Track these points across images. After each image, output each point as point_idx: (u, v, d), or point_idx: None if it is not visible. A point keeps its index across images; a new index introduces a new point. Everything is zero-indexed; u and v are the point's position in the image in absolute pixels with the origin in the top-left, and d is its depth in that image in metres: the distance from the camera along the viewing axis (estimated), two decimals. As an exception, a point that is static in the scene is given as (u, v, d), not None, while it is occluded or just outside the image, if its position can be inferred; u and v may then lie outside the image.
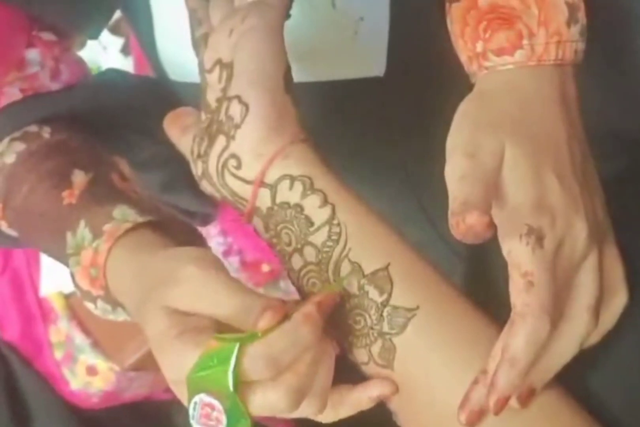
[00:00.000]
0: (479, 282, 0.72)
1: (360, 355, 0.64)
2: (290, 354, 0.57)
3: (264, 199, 0.67)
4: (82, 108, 0.83)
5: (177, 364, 0.57)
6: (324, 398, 0.60)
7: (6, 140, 0.79)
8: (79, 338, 1.11)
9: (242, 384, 0.56)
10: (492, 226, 0.56)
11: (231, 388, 0.55)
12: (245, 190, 0.67)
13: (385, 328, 0.62)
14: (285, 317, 0.58)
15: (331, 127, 0.83)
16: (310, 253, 0.65)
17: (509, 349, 0.56)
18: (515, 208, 0.59)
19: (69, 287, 1.09)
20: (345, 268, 0.64)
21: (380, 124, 0.88)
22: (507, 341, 0.57)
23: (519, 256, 0.57)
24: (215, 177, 0.68)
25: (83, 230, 0.71)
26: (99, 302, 0.71)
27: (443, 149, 0.62)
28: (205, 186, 0.70)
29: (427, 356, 0.62)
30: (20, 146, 0.78)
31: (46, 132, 0.80)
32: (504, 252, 0.58)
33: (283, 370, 0.57)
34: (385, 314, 0.62)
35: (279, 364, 0.56)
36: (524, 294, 0.56)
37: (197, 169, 0.70)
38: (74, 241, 0.72)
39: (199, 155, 0.70)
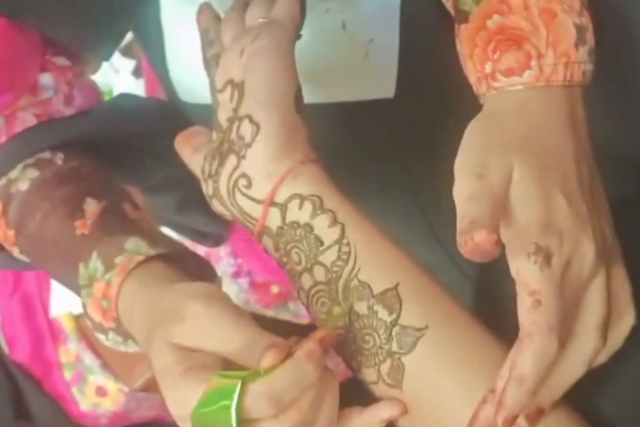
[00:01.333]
0: (489, 304, 0.72)
1: (369, 374, 0.64)
2: (293, 392, 0.56)
3: (273, 219, 0.67)
4: (95, 134, 0.84)
5: (182, 400, 0.58)
6: None
7: (20, 166, 0.80)
8: (89, 359, 1.11)
9: (245, 422, 0.56)
10: (500, 244, 0.56)
11: (234, 425, 0.55)
12: (255, 210, 0.68)
13: (394, 347, 0.62)
14: (288, 354, 0.58)
15: (341, 148, 0.83)
16: (319, 272, 0.65)
17: (516, 367, 0.56)
18: (522, 227, 0.58)
19: (78, 308, 1.08)
20: (354, 288, 0.64)
21: (390, 145, 0.88)
22: (515, 359, 0.56)
23: (526, 275, 0.57)
24: (225, 197, 0.69)
25: (95, 262, 0.72)
26: (111, 334, 0.72)
27: (452, 169, 0.62)
28: (215, 206, 0.71)
29: (436, 375, 0.61)
30: (33, 173, 0.79)
31: (59, 159, 0.80)
32: (512, 271, 0.58)
33: (286, 407, 0.57)
34: (394, 333, 0.62)
35: (282, 401, 0.56)
36: (531, 313, 0.56)
37: (207, 188, 0.71)
38: (86, 273, 0.72)
39: (209, 175, 0.70)
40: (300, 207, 0.66)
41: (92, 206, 0.76)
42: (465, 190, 0.59)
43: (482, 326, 0.64)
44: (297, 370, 0.57)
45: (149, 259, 0.70)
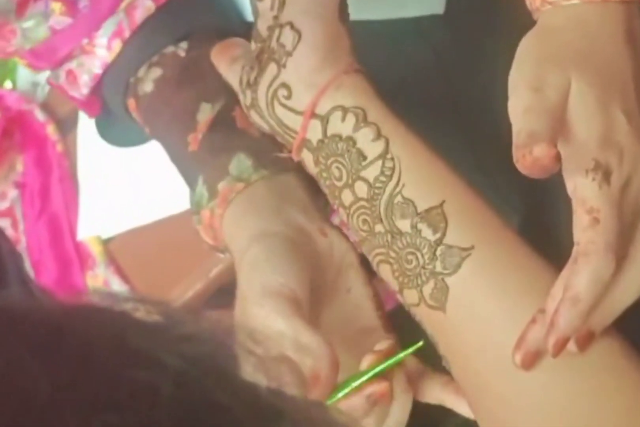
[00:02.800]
0: (535, 236, 0.70)
1: (411, 296, 0.63)
2: None
3: (314, 131, 0.66)
4: (222, 22, 0.82)
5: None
6: None
7: (145, 66, 0.80)
8: (117, 284, 1.10)
9: None
10: (559, 158, 0.56)
11: None
12: (295, 122, 0.67)
13: (438, 268, 0.61)
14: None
15: (385, 68, 0.81)
16: (361, 188, 0.64)
17: (571, 287, 0.56)
18: (581, 143, 0.58)
19: (107, 232, 1.08)
20: (397, 205, 0.63)
21: (437, 65, 0.87)
22: (569, 279, 0.56)
23: (584, 192, 0.56)
24: (264, 108, 0.68)
25: (201, 188, 0.72)
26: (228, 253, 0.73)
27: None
28: (253, 117, 0.70)
29: (482, 297, 0.61)
30: (157, 72, 0.79)
31: (182, 50, 0.79)
32: (569, 189, 0.57)
33: None
34: (438, 253, 0.61)
35: None
36: (588, 231, 0.55)
37: (245, 99, 0.70)
38: (194, 199, 0.73)
39: (248, 84, 0.69)
40: (343, 119, 0.65)
41: (204, 114, 0.75)
42: (522, 103, 0.59)
43: (530, 248, 0.63)
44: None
45: (252, 184, 0.71)
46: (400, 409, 0.64)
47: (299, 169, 0.70)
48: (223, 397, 0.29)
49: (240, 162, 0.72)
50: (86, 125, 0.98)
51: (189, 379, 0.29)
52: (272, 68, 0.67)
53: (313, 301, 0.66)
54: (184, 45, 0.80)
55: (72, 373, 0.28)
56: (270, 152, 0.72)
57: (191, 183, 0.75)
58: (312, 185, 0.70)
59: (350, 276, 0.69)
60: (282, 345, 0.59)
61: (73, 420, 0.26)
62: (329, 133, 0.65)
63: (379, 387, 0.62)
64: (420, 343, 0.64)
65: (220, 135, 0.75)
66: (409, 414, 0.65)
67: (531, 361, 0.58)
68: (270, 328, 0.62)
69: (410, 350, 0.64)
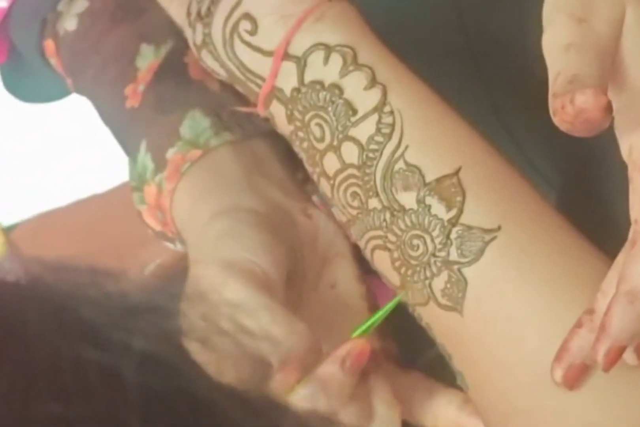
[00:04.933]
0: (577, 214, 0.71)
1: (416, 293, 0.62)
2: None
3: (287, 77, 0.65)
4: None
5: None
6: None
7: None
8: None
9: None
10: (610, 110, 0.55)
11: None
12: (261, 65, 0.66)
13: (454, 255, 0.60)
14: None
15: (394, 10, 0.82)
16: (350, 152, 0.63)
17: (628, 279, 0.54)
18: (639, 91, 0.58)
19: (8, 219, 1.09)
20: (399, 173, 0.62)
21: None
22: (626, 268, 0.55)
23: None
24: (220, 46, 0.67)
25: (144, 156, 0.73)
26: (179, 244, 0.73)
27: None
28: (205, 59, 0.69)
29: (511, 293, 0.60)
30: (82, 4, 0.78)
31: None
32: (623, 150, 0.57)
33: None
34: (453, 236, 0.60)
35: None
36: None
37: (195, 35, 0.69)
38: (135, 171, 0.74)
39: (198, 16, 0.68)
40: (326, 61, 0.64)
41: (146, 59, 0.75)
42: (562, 38, 0.58)
43: (573, 229, 0.62)
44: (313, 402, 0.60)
45: (211, 150, 0.71)
46: None
47: (273, 133, 0.70)
48: (196, 385, 0.30)
49: (196, 122, 0.72)
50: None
51: (156, 363, 0.29)
52: None
53: (290, 296, 0.66)
54: None
55: None
56: (235, 110, 0.72)
57: (130, 150, 0.74)
58: (289, 154, 0.70)
59: (338, 267, 0.69)
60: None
61: (2, 409, 0.27)
62: (307, 79, 0.64)
63: (354, 345, 0.62)
64: (398, 298, 0.64)
65: (168, 86, 0.74)
66: None
67: (575, 377, 0.57)
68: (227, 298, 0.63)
69: (387, 306, 0.65)
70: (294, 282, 0.67)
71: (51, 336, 0.29)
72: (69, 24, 0.78)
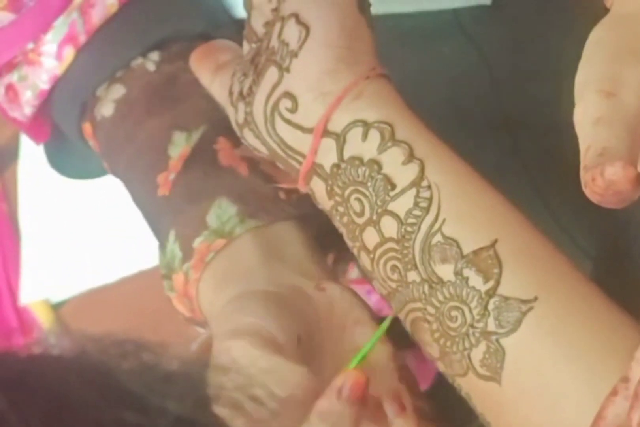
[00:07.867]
0: (612, 285, 0.71)
1: (454, 363, 0.62)
2: None
3: (327, 153, 0.65)
4: (202, 28, 0.81)
5: None
6: None
7: (105, 82, 0.80)
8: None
9: None
10: (639, 182, 0.55)
11: None
12: (301, 141, 0.66)
13: (492, 326, 0.61)
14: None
15: (417, 69, 0.83)
16: (390, 226, 0.64)
17: None
18: None
19: (57, 295, 1.10)
20: (437, 246, 0.62)
21: (480, 66, 0.87)
22: None
23: None
24: (261, 124, 0.67)
25: (173, 245, 0.73)
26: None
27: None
28: (247, 137, 0.69)
29: (549, 362, 0.60)
30: (119, 91, 0.79)
31: (152, 62, 0.79)
32: None
33: None
34: (491, 307, 0.61)
35: None
36: None
37: (237, 114, 0.69)
38: (164, 259, 0.74)
39: (240, 96, 0.69)
40: (364, 137, 0.65)
41: (178, 148, 0.76)
42: (592, 112, 0.58)
43: (608, 300, 0.62)
44: None
45: (235, 239, 0.71)
46: None
47: (297, 215, 0.71)
48: None
49: (222, 210, 0.72)
50: (30, 155, 0.98)
51: (190, 424, 0.30)
52: (272, 73, 0.67)
53: (305, 357, 0.66)
54: (154, 56, 0.79)
55: (44, 412, 0.29)
56: (262, 195, 0.73)
57: (161, 238, 0.75)
58: (322, 230, 0.71)
59: (359, 334, 0.69)
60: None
61: None
62: (346, 155, 0.65)
63: (348, 375, 0.62)
64: (390, 317, 0.65)
65: (197, 175, 0.75)
66: None
67: None
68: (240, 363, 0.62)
69: (383, 325, 0.66)
70: (311, 349, 0.67)
71: (93, 402, 0.30)
72: (106, 110, 0.79)
